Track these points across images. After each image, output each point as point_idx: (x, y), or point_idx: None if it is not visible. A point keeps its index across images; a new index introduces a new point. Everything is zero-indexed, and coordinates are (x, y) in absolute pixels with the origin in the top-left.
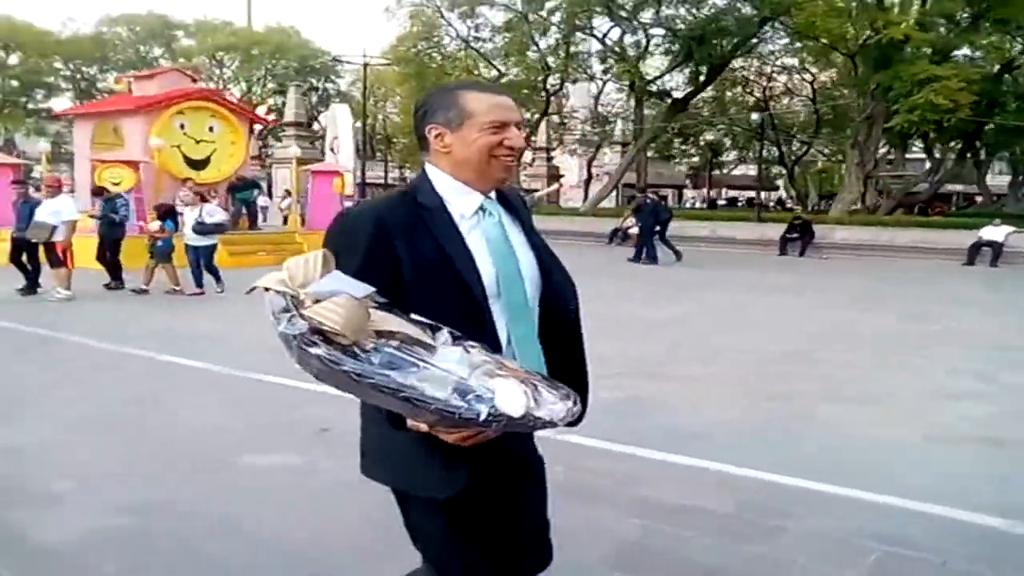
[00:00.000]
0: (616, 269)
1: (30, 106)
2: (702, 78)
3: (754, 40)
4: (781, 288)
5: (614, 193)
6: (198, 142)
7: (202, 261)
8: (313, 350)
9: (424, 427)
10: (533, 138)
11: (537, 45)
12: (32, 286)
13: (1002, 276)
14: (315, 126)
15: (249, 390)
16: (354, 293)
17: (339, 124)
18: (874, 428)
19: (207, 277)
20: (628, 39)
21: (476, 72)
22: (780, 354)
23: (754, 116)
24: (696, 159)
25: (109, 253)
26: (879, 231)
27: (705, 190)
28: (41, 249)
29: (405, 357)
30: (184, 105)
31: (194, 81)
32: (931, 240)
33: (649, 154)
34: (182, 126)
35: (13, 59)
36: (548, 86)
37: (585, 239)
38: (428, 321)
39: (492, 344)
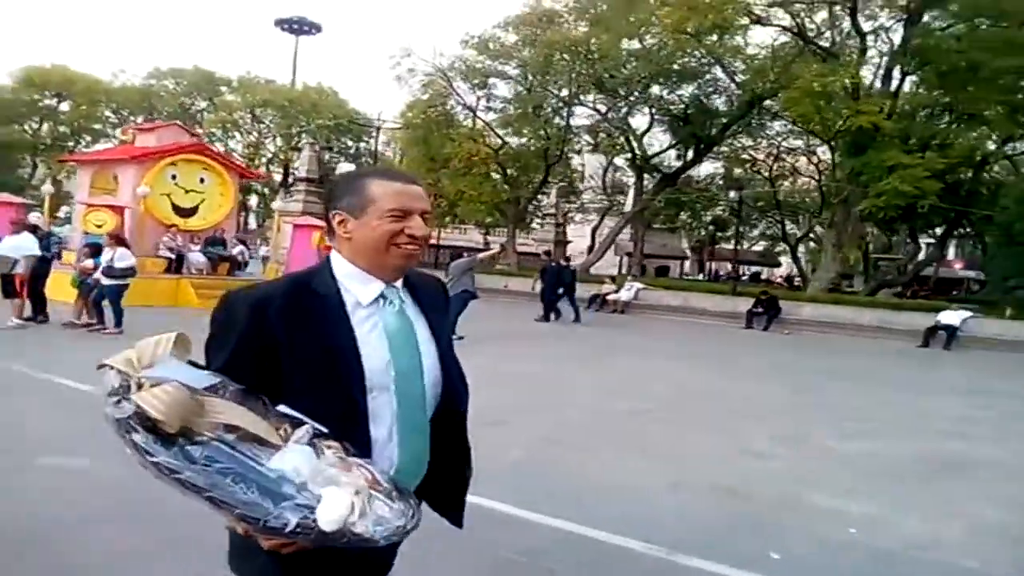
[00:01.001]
0: (555, 330)
1: (76, 150)
2: (691, 155)
3: (748, 121)
4: (703, 356)
5: (620, 260)
6: (187, 192)
7: (109, 299)
8: (132, 436)
9: (240, 529)
10: (536, 201)
11: (539, 116)
12: None
13: (945, 358)
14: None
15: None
16: (188, 382)
17: None
18: (632, 476)
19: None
20: (628, 114)
21: (480, 140)
22: (624, 412)
23: (732, 194)
24: (701, 232)
25: (36, 287)
26: (844, 310)
27: (708, 263)
28: None
29: (233, 453)
30: (177, 157)
31: (191, 136)
32: (893, 321)
33: (656, 225)
34: (174, 176)
35: (65, 106)
36: (548, 155)
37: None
38: (292, 413)
39: (362, 441)
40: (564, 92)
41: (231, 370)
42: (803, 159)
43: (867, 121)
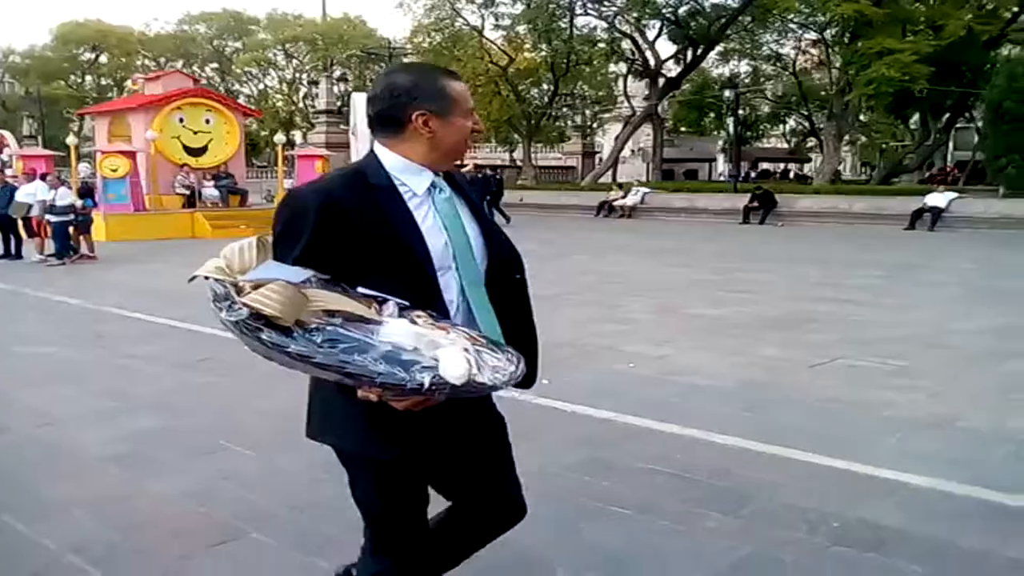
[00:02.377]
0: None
1: None
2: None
3: (755, 17)
4: (663, 251)
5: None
6: (196, 132)
7: (55, 233)
8: (259, 335)
9: (374, 396)
10: (555, 114)
11: (535, 30)
12: (17, 254)
13: (924, 239)
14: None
15: (85, 315)
16: (289, 279)
17: (356, 111)
18: None
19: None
20: (637, 22)
21: (485, 59)
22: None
23: (727, 93)
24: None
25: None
26: (840, 199)
27: (736, 164)
28: (20, 223)
29: (348, 333)
30: (182, 101)
31: (195, 82)
32: (883, 207)
33: (684, 130)
34: (181, 119)
35: (103, 59)
36: (555, 68)
37: (578, 211)
38: (375, 294)
39: (441, 310)
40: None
41: (304, 263)
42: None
43: (851, 9)
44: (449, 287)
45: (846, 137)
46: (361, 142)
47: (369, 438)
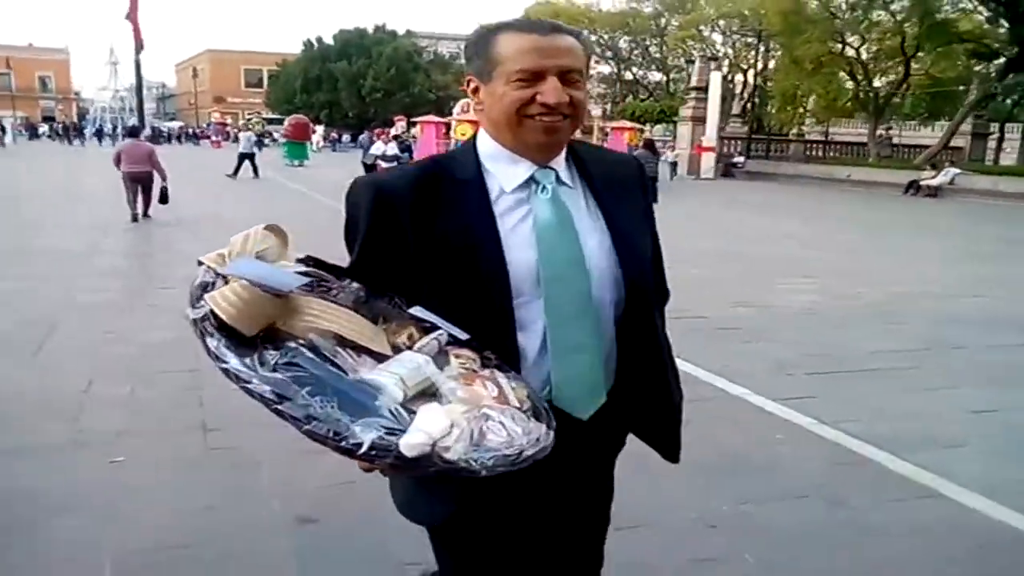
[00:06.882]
0: None
1: None
2: None
3: None
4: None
5: None
6: None
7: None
8: (207, 340)
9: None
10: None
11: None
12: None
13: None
14: None
15: None
16: (264, 279)
17: (711, 88)
18: None
19: None
20: None
21: (828, 40)
22: None
23: None
24: None
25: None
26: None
27: None
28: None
29: (320, 362)
30: None
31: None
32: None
33: None
34: None
35: None
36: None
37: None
38: (426, 317)
39: (509, 352)
40: None
41: (363, 264)
42: None
43: None
44: (531, 322)
45: None
46: (710, 116)
47: (416, 502)
